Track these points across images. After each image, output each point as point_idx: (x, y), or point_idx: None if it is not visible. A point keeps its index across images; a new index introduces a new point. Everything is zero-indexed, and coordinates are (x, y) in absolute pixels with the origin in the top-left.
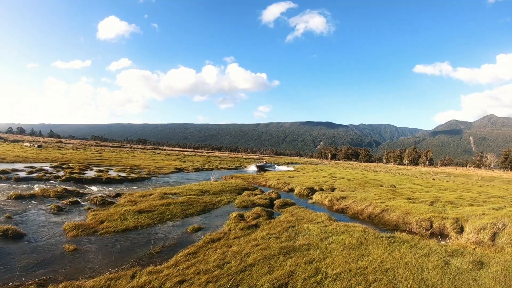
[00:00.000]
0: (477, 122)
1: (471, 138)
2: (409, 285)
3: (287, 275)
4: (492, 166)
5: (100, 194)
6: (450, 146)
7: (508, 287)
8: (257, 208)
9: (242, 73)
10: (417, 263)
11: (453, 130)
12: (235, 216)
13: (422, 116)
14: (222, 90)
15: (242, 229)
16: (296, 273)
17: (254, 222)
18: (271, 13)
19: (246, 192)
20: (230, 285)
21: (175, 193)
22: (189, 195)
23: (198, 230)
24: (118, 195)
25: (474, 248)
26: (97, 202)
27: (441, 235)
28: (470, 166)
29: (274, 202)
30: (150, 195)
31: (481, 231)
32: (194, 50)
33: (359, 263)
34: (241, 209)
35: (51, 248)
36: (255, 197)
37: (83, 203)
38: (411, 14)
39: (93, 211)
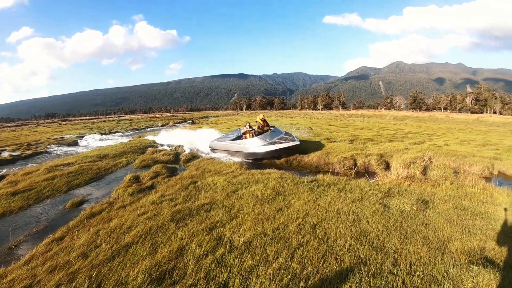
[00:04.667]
0: (386, 68)
1: (380, 83)
2: (347, 245)
3: (175, 256)
4: (402, 107)
5: None
6: (361, 90)
7: (466, 229)
8: (157, 166)
9: (152, 31)
10: (351, 211)
11: (363, 75)
12: (129, 179)
13: (334, 64)
14: (131, 51)
15: (131, 194)
16: (188, 250)
17: (149, 183)
18: None
19: (150, 150)
20: (88, 285)
21: (68, 164)
22: (84, 163)
23: (81, 203)
24: (1, 177)
25: (409, 185)
26: None
27: (368, 173)
28: (381, 108)
29: (180, 156)
30: (38, 170)
31: (411, 166)
32: (99, 9)
33: (277, 221)
34: (139, 170)
35: None
36: (159, 154)
37: None
38: None
39: None
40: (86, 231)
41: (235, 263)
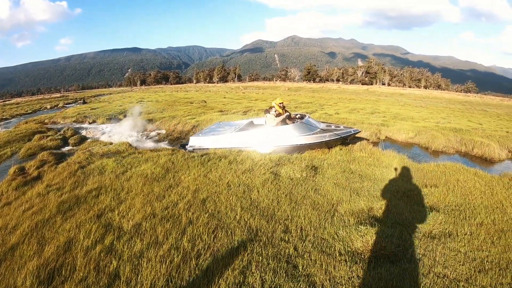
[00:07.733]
0: (281, 42)
1: (276, 55)
2: (238, 217)
3: (63, 250)
4: (296, 79)
5: None
6: (257, 63)
7: (354, 191)
8: (43, 153)
9: (40, 2)
10: (241, 182)
11: (259, 48)
12: (14, 172)
13: (230, 37)
14: (17, 25)
15: (16, 188)
16: (77, 242)
17: (36, 173)
18: None
19: (37, 137)
20: None
21: None
22: None
23: None
24: None
25: (300, 152)
26: None
27: None
28: (276, 80)
29: (69, 140)
30: None
31: None
32: None
33: (166, 200)
34: (25, 160)
35: None
36: (47, 139)
37: None
38: None
39: None
40: None
41: (125, 249)
